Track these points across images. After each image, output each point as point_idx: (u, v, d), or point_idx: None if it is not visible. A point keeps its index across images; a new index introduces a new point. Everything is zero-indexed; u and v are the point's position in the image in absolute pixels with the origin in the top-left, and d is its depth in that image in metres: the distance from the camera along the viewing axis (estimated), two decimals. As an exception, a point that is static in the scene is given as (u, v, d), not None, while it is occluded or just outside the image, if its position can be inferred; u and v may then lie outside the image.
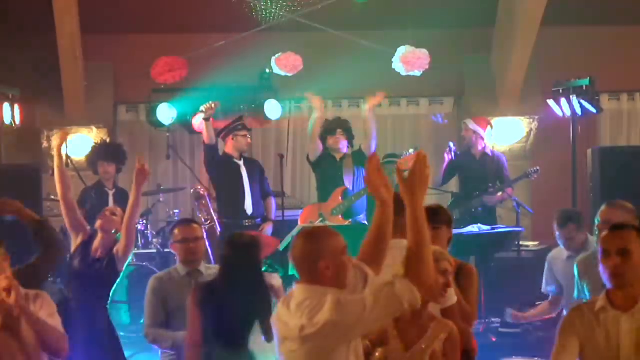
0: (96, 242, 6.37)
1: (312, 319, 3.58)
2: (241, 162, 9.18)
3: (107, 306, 6.41)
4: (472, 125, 9.92)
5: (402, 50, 9.56)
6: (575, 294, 5.79)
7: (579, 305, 4.21)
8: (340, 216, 9.03)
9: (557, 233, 6.70)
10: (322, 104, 9.44)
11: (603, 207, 5.23)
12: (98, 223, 6.41)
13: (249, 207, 9.04)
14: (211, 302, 5.04)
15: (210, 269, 5.83)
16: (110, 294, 6.39)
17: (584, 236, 6.64)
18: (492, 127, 10.09)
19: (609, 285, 4.04)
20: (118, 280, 6.42)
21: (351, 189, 9.22)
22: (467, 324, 4.71)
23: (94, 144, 10.17)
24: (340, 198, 9.13)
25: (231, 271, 5.07)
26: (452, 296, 4.58)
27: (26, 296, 4.28)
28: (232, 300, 4.97)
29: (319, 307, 3.58)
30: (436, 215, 5.22)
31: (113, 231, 6.34)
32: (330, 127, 9.39)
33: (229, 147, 9.17)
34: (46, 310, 4.33)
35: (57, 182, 6.50)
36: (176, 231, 5.88)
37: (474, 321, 4.91)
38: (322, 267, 3.67)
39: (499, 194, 9.71)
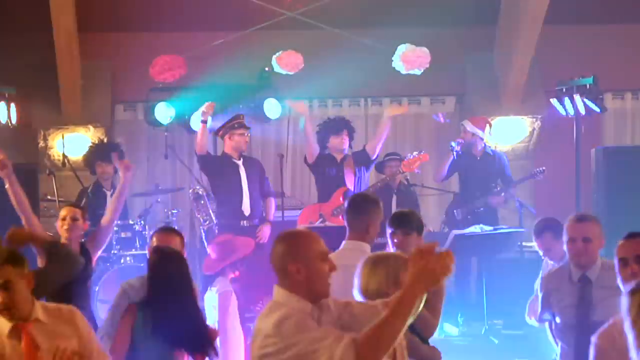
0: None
1: (260, 322, 3.49)
2: (240, 162, 9.15)
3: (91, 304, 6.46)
4: (469, 127, 9.90)
5: (402, 49, 9.56)
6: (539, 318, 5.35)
7: (607, 332, 3.85)
8: (340, 217, 9.02)
9: (535, 243, 6.62)
10: (307, 108, 9.53)
11: (571, 223, 5.06)
12: (62, 240, 6.39)
13: (246, 208, 9.02)
14: (144, 327, 4.95)
15: None
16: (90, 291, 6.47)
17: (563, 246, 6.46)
18: (490, 125, 10.07)
19: None
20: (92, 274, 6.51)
21: (352, 189, 9.20)
22: (427, 334, 4.54)
23: (91, 144, 10.16)
24: (341, 199, 9.12)
25: (159, 284, 4.99)
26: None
27: (59, 313, 4.19)
28: (161, 324, 4.88)
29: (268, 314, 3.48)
30: (407, 221, 5.20)
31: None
32: (335, 127, 9.37)
33: (227, 146, 9.15)
34: (84, 337, 4.16)
35: (15, 204, 6.41)
36: (153, 238, 5.83)
37: (434, 332, 4.71)
38: (291, 270, 3.50)
39: (503, 194, 9.71)
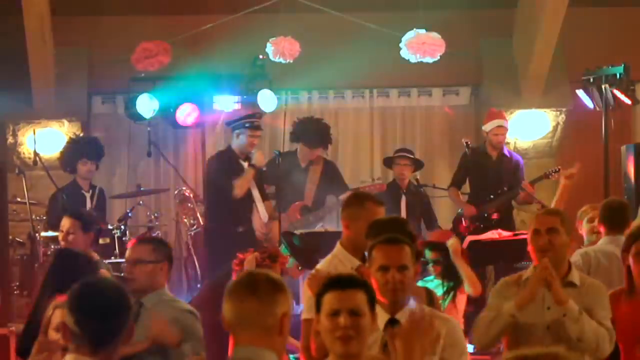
0: None
1: None
2: (246, 164, 9.17)
3: None
4: (487, 126, 9.92)
5: (410, 35, 9.54)
6: None
7: None
8: None
9: None
10: None
11: None
12: None
13: (263, 214, 9.10)
14: None
15: (170, 301, 5.27)
16: None
17: None
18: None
19: None
20: None
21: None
22: None
23: (69, 139, 10.14)
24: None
25: None
26: None
27: None
28: None
29: None
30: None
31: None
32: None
33: (234, 143, 9.19)
34: None
35: None
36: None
37: None
38: None
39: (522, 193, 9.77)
